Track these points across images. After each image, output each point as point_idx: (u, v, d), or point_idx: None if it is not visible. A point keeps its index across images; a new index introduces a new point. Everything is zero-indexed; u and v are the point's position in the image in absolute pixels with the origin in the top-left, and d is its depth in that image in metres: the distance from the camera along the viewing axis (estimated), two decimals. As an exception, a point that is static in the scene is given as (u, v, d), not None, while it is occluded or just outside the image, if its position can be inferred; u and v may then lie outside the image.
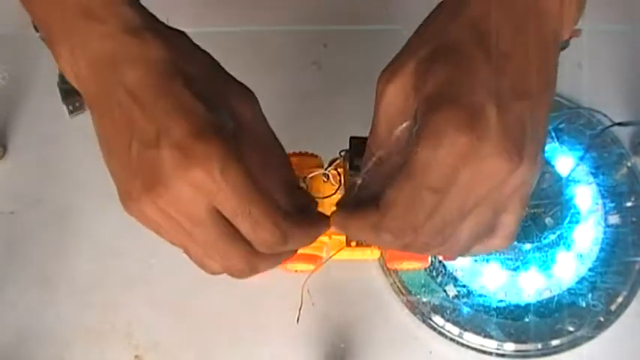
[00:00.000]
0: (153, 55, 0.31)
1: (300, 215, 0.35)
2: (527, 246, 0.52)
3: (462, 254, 0.34)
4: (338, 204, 0.38)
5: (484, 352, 0.52)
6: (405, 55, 0.33)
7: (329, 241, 0.48)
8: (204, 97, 0.31)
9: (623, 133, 0.58)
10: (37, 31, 0.63)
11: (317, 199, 0.47)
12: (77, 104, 0.60)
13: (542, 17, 0.32)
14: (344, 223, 0.36)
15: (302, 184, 0.46)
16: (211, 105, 0.31)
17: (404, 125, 0.32)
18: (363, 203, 0.34)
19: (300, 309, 0.50)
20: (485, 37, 0.31)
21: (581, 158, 0.55)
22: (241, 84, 0.34)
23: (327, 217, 0.37)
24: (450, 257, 0.38)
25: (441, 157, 0.29)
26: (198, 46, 0.34)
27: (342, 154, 0.46)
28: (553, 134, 0.57)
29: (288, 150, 0.49)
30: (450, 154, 0.29)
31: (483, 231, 0.33)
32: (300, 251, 0.48)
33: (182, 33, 0.34)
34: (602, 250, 0.54)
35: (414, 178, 0.30)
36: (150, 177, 0.30)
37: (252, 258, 0.33)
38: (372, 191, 0.34)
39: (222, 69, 0.34)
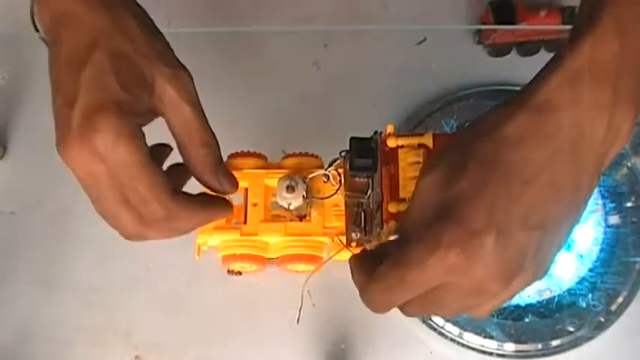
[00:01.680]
0: (94, 23, 0.35)
1: (198, 197, 0.37)
2: (527, 246, 0.52)
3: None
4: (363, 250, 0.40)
5: (484, 352, 0.52)
6: (446, 152, 0.34)
7: (329, 241, 0.48)
8: (125, 73, 0.34)
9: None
10: (37, 30, 0.63)
11: (317, 200, 0.47)
12: (77, 104, 0.60)
13: (584, 144, 0.31)
14: (352, 268, 0.38)
15: (301, 184, 0.46)
16: (129, 82, 0.34)
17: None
18: (375, 256, 0.36)
19: (300, 309, 0.50)
20: (511, 159, 0.31)
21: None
22: (175, 63, 0.36)
23: (228, 205, 0.39)
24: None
25: (430, 265, 0.31)
26: (143, 20, 0.37)
27: (342, 154, 0.46)
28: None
29: (289, 150, 0.50)
30: (438, 267, 0.31)
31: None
32: (300, 252, 0.48)
33: (137, 7, 0.37)
34: (602, 250, 0.54)
35: (402, 269, 0.32)
36: (62, 131, 0.34)
37: (139, 226, 0.36)
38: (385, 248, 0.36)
39: (162, 47, 0.36)
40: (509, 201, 0.31)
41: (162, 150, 0.39)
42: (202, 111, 0.37)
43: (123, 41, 0.35)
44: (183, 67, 0.36)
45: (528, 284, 0.32)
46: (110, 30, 0.35)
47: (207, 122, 0.37)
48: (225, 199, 0.39)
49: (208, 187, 0.38)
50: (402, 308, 0.35)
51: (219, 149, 0.37)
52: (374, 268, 0.34)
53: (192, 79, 0.36)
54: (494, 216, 0.30)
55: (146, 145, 0.34)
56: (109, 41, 0.34)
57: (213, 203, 0.38)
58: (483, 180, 0.31)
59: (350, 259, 0.38)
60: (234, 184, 0.39)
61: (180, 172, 0.38)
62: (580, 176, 0.32)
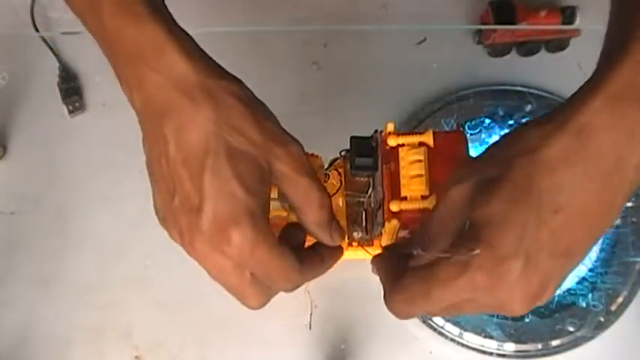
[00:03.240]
0: (202, 122, 0.33)
1: (316, 255, 0.39)
2: (528, 246, 0.52)
3: None
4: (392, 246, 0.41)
5: (484, 352, 0.52)
6: (478, 165, 0.34)
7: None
8: (246, 174, 0.33)
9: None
10: (37, 30, 0.63)
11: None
12: (77, 104, 0.60)
13: (619, 171, 0.31)
14: (377, 270, 0.39)
15: None
16: (252, 182, 0.34)
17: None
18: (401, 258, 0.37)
19: (310, 315, 0.50)
20: (545, 185, 0.31)
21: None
22: (285, 139, 0.36)
23: (342, 250, 0.41)
24: None
25: (457, 285, 0.32)
26: (246, 99, 0.35)
27: (343, 153, 0.46)
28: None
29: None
30: (464, 287, 0.32)
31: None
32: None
33: (237, 82, 0.35)
34: (602, 250, 0.54)
35: (428, 285, 0.33)
36: (187, 232, 0.33)
37: (264, 298, 0.37)
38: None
39: (269, 124, 0.35)
40: (539, 229, 0.31)
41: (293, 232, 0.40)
42: (315, 176, 0.37)
43: (236, 137, 0.33)
44: (292, 138, 0.36)
45: (545, 301, 0.33)
46: (220, 126, 0.33)
47: (322, 185, 0.37)
48: (339, 246, 0.40)
49: (320, 241, 0.39)
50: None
51: (331, 207, 0.38)
52: (398, 273, 0.35)
53: (302, 147, 0.36)
54: (523, 243, 0.31)
55: (274, 234, 0.35)
56: (223, 140, 0.33)
57: (329, 254, 0.40)
58: (515, 204, 0.31)
59: (373, 261, 0.39)
60: (343, 234, 0.40)
61: (296, 232, 0.39)
62: (611, 204, 0.31)
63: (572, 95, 0.32)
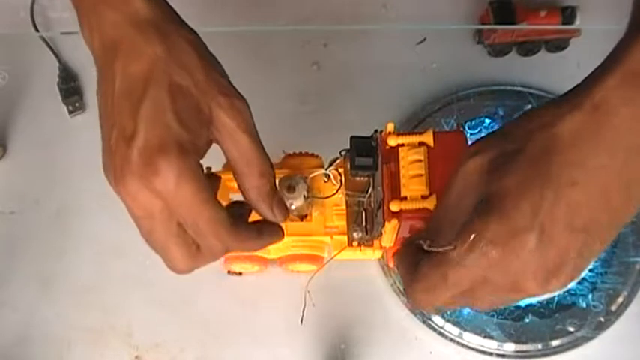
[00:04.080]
0: (150, 54, 0.34)
1: (252, 225, 0.38)
2: (528, 246, 0.52)
3: None
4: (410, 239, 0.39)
5: (484, 352, 0.52)
6: (495, 140, 0.34)
7: (331, 241, 0.48)
8: (184, 110, 0.34)
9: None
10: (37, 30, 0.63)
11: (318, 200, 0.47)
12: (77, 104, 0.60)
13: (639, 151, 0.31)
14: (398, 265, 0.38)
15: (302, 184, 0.46)
16: (189, 119, 0.34)
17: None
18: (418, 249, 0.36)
19: (303, 310, 0.50)
20: (562, 160, 0.31)
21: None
22: (232, 92, 0.36)
23: (281, 231, 0.40)
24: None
25: (470, 262, 0.31)
26: (198, 47, 0.36)
27: (343, 153, 0.46)
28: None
29: (289, 150, 0.50)
30: (479, 264, 0.31)
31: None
32: (301, 252, 0.48)
33: (194, 33, 0.36)
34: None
35: (443, 268, 0.32)
36: (118, 167, 0.33)
37: (189, 260, 0.36)
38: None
39: (217, 74, 0.36)
40: (555, 203, 0.30)
41: (213, 180, 0.40)
42: (259, 140, 0.37)
43: (180, 74, 0.34)
44: (240, 95, 0.36)
45: (564, 286, 0.32)
46: (167, 61, 0.34)
47: (264, 151, 0.37)
48: (278, 226, 0.40)
49: (261, 215, 0.38)
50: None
51: (274, 178, 0.38)
52: (416, 265, 0.35)
53: (249, 107, 0.36)
54: (538, 215, 0.30)
55: (206, 181, 0.34)
56: (167, 74, 0.34)
57: (268, 231, 0.39)
58: (531, 177, 0.31)
59: (395, 256, 0.38)
60: (286, 213, 0.40)
61: (241, 208, 0.39)
62: (631, 185, 0.31)
63: (590, 74, 0.32)
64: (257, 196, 0.37)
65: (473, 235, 0.31)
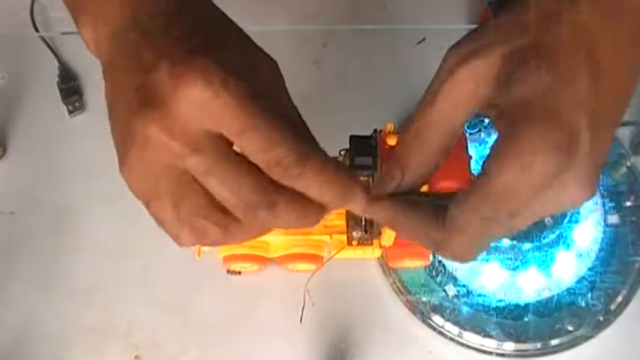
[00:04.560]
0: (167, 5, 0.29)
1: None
2: (527, 245, 0.53)
3: None
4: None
5: (484, 351, 0.52)
6: (493, 37, 0.28)
7: (330, 240, 0.48)
8: (211, 30, 0.29)
9: (623, 133, 0.58)
10: (37, 30, 0.63)
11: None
12: (77, 104, 0.60)
13: None
14: (400, 221, 0.31)
15: None
16: (215, 36, 0.29)
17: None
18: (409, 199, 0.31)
19: (302, 309, 0.50)
20: (591, 48, 0.27)
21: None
22: (266, 53, 0.31)
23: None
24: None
25: (530, 177, 0.27)
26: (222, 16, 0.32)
27: (342, 153, 0.46)
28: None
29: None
30: (538, 178, 0.27)
31: None
32: (301, 251, 0.48)
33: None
34: (601, 249, 0.54)
35: (493, 199, 0.28)
36: (145, 101, 0.27)
37: (269, 186, 0.28)
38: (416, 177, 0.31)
39: (249, 38, 0.31)
40: (597, 95, 0.27)
41: None
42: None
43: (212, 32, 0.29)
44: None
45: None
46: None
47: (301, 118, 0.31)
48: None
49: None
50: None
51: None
52: (427, 213, 0.30)
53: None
54: (588, 112, 0.27)
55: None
56: (186, 11, 0.29)
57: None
58: (567, 72, 0.27)
59: (384, 207, 0.31)
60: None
61: None
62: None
63: None
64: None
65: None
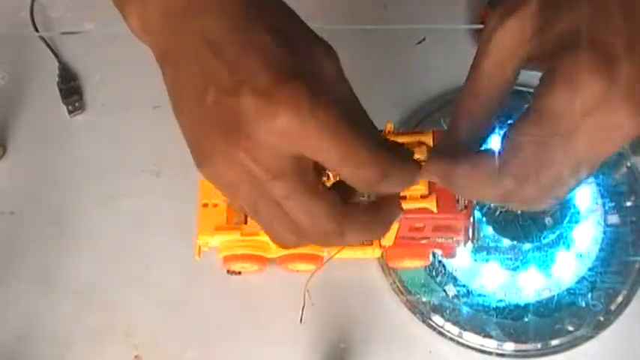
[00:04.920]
0: (232, 2, 0.29)
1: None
2: (527, 246, 0.52)
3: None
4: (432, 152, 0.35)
5: (484, 351, 0.52)
6: None
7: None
8: (289, 50, 0.28)
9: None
10: (37, 30, 0.63)
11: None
12: (77, 104, 0.60)
13: None
14: (447, 170, 0.33)
15: None
16: (298, 58, 0.28)
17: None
18: (458, 151, 0.32)
19: (303, 309, 0.50)
20: None
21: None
22: (323, 40, 0.31)
23: (400, 205, 0.35)
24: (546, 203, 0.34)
25: (577, 102, 0.28)
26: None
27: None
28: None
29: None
30: (586, 100, 0.28)
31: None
32: (301, 251, 0.48)
33: None
34: (601, 249, 0.54)
35: (546, 121, 0.29)
36: (229, 126, 0.27)
37: (341, 217, 0.30)
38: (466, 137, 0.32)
39: (304, 25, 0.31)
40: (631, 22, 0.29)
41: None
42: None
43: (269, 15, 0.29)
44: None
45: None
46: (250, 4, 0.29)
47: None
48: (397, 198, 0.34)
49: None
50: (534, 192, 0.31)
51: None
52: (484, 154, 0.31)
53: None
54: (624, 37, 0.28)
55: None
56: (255, 16, 0.29)
57: (389, 205, 0.33)
58: (599, 4, 0.29)
59: (431, 164, 0.33)
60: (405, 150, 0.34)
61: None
62: None
63: None
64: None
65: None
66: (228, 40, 0.28)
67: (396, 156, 0.31)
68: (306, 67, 0.29)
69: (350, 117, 0.29)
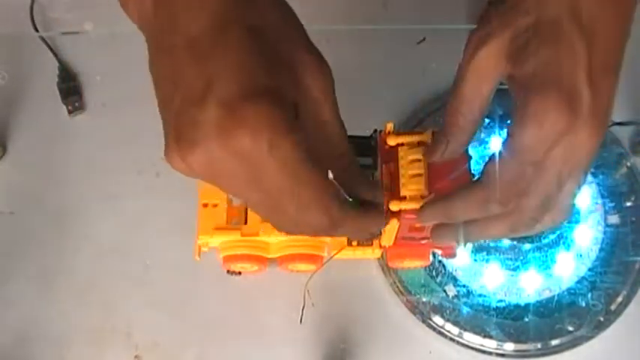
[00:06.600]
0: None
1: (360, 206, 0.34)
2: (527, 246, 0.52)
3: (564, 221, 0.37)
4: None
5: (484, 352, 0.52)
6: (502, 21, 0.33)
7: (330, 240, 0.48)
8: (266, 57, 0.27)
9: (623, 133, 0.57)
10: (37, 30, 0.63)
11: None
12: (76, 104, 0.60)
13: None
14: (445, 208, 0.37)
15: None
16: (273, 68, 0.27)
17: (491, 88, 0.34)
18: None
19: (303, 309, 0.50)
20: (578, 14, 0.31)
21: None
22: (316, 51, 0.30)
23: (387, 213, 0.38)
24: (558, 221, 0.38)
25: (544, 135, 0.31)
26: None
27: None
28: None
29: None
30: (552, 133, 0.31)
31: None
32: (301, 251, 0.48)
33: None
34: (601, 249, 0.54)
35: (519, 153, 0.32)
36: (187, 136, 0.26)
37: (293, 227, 0.31)
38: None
39: (299, 28, 0.30)
40: (589, 53, 0.31)
41: None
42: (340, 118, 0.33)
43: (257, 16, 0.27)
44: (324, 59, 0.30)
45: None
46: (237, 2, 0.27)
47: (345, 131, 0.33)
48: (381, 206, 0.36)
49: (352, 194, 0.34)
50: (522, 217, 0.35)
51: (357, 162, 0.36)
52: (474, 187, 0.35)
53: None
54: (584, 69, 0.31)
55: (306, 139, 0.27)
56: (243, 15, 0.27)
57: (374, 210, 0.36)
58: (565, 41, 0.31)
59: (429, 209, 0.38)
60: (378, 190, 0.38)
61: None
62: (627, 15, 0.32)
63: None
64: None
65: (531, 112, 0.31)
66: (205, 40, 0.27)
67: (351, 209, 0.32)
68: (282, 80, 0.27)
69: (317, 155, 0.28)
